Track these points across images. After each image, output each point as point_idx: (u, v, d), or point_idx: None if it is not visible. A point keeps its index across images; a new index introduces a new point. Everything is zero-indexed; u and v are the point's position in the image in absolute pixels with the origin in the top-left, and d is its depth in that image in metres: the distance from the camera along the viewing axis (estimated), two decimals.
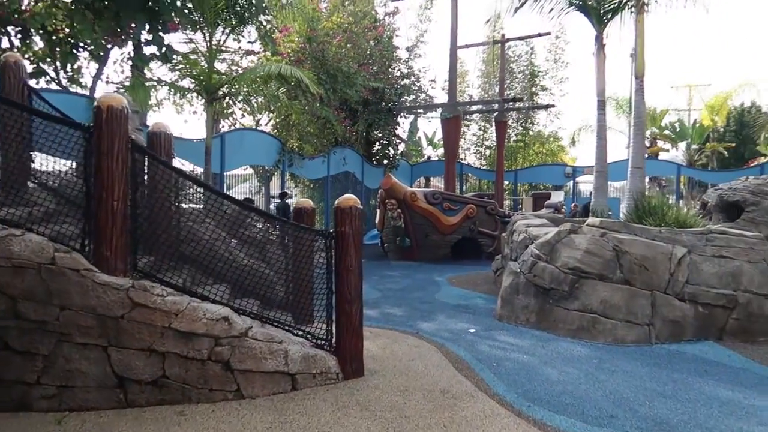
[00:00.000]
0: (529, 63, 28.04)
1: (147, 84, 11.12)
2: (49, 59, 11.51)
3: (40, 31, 10.74)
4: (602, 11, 10.89)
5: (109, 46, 11.85)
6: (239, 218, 5.02)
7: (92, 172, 4.24)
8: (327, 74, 16.45)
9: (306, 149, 17.03)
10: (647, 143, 29.00)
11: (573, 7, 11.22)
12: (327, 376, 4.74)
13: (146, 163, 4.85)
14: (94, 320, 4.11)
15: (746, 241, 7.16)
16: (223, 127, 16.54)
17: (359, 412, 4.16)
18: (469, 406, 4.30)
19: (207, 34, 11.23)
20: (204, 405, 4.24)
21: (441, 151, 28.77)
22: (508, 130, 25.44)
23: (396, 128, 21.42)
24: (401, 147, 23.01)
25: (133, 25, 10.77)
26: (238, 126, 16.94)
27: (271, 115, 17.50)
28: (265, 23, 13.23)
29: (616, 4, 10.51)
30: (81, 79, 12.34)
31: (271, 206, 17.24)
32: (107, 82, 13.17)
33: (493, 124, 22.89)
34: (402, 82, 20.61)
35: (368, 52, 19.24)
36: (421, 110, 22.59)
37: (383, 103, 19.52)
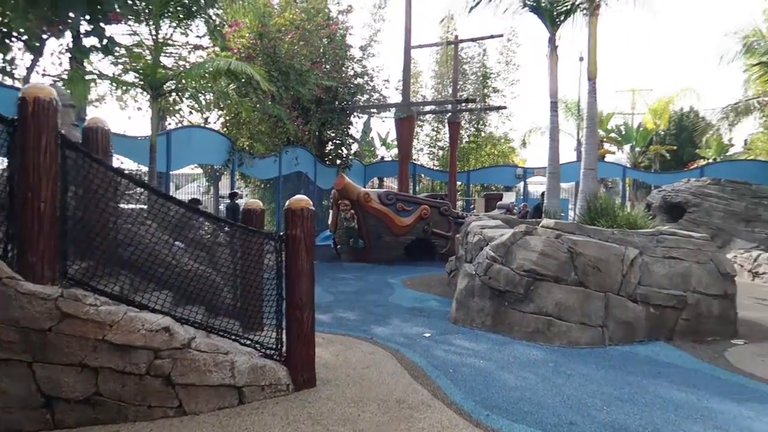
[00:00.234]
0: (481, 65, 28.26)
1: (87, 77, 10.52)
2: None
3: None
4: (555, 13, 10.98)
5: (45, 36, 11.16)
6: (182, 220, 4.70)
7: (16, 169, 3.87)
8: (279, 71, 16.06)
9: (257, 148, 16.58)
10: None
11: (527, 8, 11.27)
12: (277, 387, 4.49)
13: (79, 161, 4.46)
14: (17, 334, 3.72)
15: (694, 242, 7.28)
16: (170, 124, 15.90)
17: (310, 427, 3.93)
18: (426, 417, 4.13)
19: (152, 27, 10.73)
20: (142, 423, 3.92)
21: (394, 151, 28.65)
22: (461, 131, 25.55)
23: (349, 128, 21.18)
24: (354, 147, 22.77)
25: (71, 14, 10.15)
26: (185, 123, 16.33)
27: (220, 112, 16.96)
28: (214, 17, 12.76)
29: (568, 6, 10.60)
30: (15, 71, 11.58)
31: (221, 206, 16.73)
32: (44, 75, 12.39)
33: (446, 124, 22.93)
34: (355, 82, 20.37)
35: (321, 50, 18.92)
36: (375, 110, 22.43)
37: (336, 102, 19.26)
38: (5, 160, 4.15)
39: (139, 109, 14.64)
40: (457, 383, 4.94)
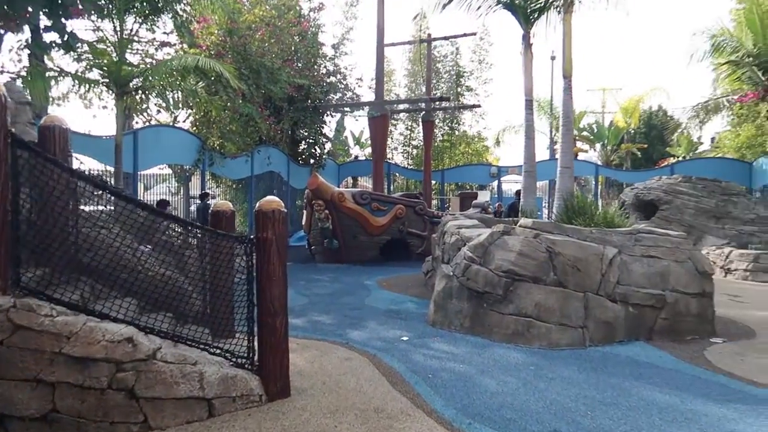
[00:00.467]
0: (454, 63, 28.23)
1: (47, 74, 10.08)
2: None
3: None
4: (529, 10, 10.91)
5: (2, 31, 10.66)
6: (146, 223, 4.43)
7: None
8: (249, 69, 15.72)
9: (228, 148, 16.20)
10: None
11: (500, 5, 11.18)
12: (249, 398, 4.26)
13: (32, 161, 4.17)
14: None
15: (672, 240, 7.25)
16: (137, 123, 15.42)
17: None
18: (406, 427, 3.95)
19: (117, 23, 10.33)
20: None
21: (368, 150, 28.48)
22: (435, 130, 25.46)
23: (322, 127, 20.88)
24: (328, 146, 22.49)
25: (30, 9, 9.70)
26: (153, 123, 15.86)
27: (189, 111, 16.52)
28: (181, 13, 12.38)
29: (542, 4, 10.54)
30: None
31: (192, 207, 16.31)
32: (2, 72, 11.89)
33: (420, 123, 22.82)
34: (328, 80, 20.11)
35: (293, 48, 18.62)
36: (348, 108, 22.19)
37: (309, 101, 18.96)
38: None
39: (104, 107, 14.15)
40: (437, 390, 4.77)
